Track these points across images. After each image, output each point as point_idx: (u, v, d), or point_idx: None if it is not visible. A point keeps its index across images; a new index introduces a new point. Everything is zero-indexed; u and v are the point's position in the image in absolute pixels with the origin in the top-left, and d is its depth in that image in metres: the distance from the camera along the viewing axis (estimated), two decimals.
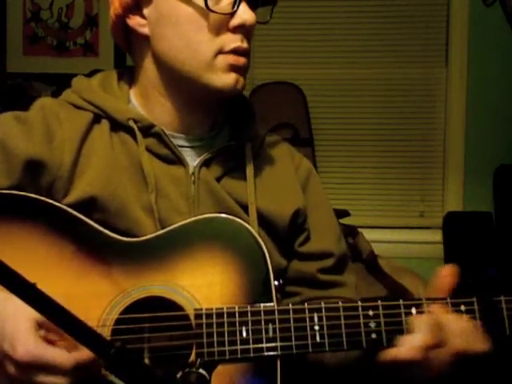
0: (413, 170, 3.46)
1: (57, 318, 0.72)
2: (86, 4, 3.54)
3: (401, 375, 0.97)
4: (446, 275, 0.99)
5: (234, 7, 1.07)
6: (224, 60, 1.08)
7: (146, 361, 0.98)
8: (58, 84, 3.18)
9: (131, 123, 1.11)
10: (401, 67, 3.45)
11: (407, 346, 0.94)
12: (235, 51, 1.09)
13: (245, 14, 1.07)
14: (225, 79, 1.09)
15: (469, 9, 3.32)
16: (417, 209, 3.47)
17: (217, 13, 1.06)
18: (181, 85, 1.12)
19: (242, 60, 1.09)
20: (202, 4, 1.05)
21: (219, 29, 1.08)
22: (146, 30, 1.11)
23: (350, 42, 3.47)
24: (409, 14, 3.44)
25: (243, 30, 1.09)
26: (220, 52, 1.08)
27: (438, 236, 3.33)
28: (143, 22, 1.11)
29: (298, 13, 3.49)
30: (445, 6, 3.40)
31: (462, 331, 0.95)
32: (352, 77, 3.47)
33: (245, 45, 1.09)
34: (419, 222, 3.46)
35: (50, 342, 0.88)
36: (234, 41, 1.08)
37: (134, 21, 1.12)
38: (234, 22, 1.08)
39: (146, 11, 1.11)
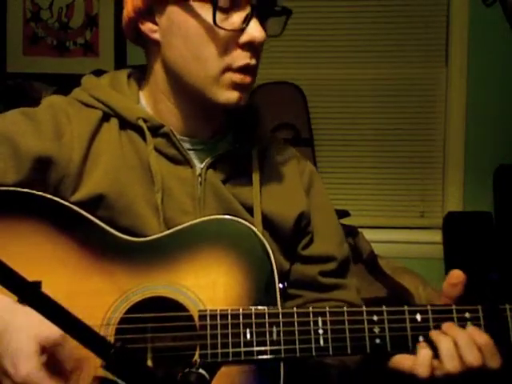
0: (413, 169, 3.46)
1: (56, 318, 0.71)
2: (86, 4, 3.53)
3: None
4: (457, 283, 0.99)
5: (243, 23, 1.05)
6: (230, 78, 1.07)
7: (149, 361, 0.98)
8: (58, 84, 3.20)
9: (140, 122, 1.11)
10: (401, 67, 3.44)
11: (418, 362, 0.95)
12: (243, 69, 1.08)
13: (255, 32, 1.06)
14: (228, 96, 1.08)
15: (469, 9, 3.31)
16: (417, 209, 3.46)
17: (225, 30, 1.05)
18: (186, 93, 1.12)
19: (247, 79, 1.09)
20: (211, 20, 1.04)
21: (228, 45, 1.07)
22: (157, 36, 1.11)
23: (350, 42, 3.46)
24: (409, 13, 3.43)
25: (252, 46, 1.07)
26: (228, 69, 1.07)
27: (437, 236, 3.32)
28: (155, 27, 1.11)
29: (298, 13, 3.45)
30: (445, 6, 3.39)
31: (478, 346, 0.95)
32: (352, 77, 3.46)
33: (253, 62, 1.08)
34: (419, 222, 3.45)
35: (51, 368, 0.87)
36: (242, 58, 1.07)
37: (146, 26, 1.12)
38: (243, 38, 1.06)
39: (158, 18, 1.10)
